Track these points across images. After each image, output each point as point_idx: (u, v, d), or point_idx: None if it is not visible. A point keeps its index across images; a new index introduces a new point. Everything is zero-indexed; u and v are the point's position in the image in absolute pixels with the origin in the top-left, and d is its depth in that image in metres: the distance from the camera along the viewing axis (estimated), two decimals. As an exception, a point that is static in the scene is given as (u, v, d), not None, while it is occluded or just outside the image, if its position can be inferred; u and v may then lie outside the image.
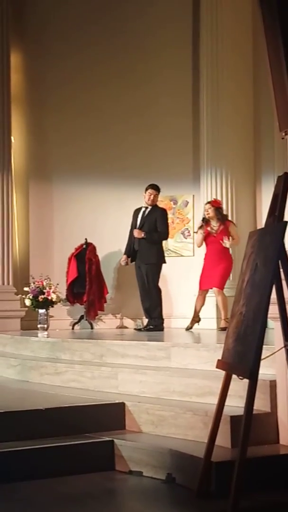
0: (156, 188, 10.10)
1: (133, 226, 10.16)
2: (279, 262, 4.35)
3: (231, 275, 10.49)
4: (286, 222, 4.43)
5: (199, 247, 10.05)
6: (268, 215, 4.67)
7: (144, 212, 10.11)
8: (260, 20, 4.52)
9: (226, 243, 9.60)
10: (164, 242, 10.25)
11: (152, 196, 10.07)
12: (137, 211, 10.21)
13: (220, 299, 9.64)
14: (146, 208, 10.11)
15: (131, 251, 10.10)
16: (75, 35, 11.44)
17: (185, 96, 11.64)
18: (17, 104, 11.16)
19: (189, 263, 11.24)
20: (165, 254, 10.17)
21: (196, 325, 9.81)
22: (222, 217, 9.78)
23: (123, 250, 10.71)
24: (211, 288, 9.73)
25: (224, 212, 10.05)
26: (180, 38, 11.69)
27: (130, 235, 10.16)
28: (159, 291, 10.00)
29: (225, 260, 9.71)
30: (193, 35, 11.65)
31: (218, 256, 9.71)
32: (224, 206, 10.46)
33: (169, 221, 10.31)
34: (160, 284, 10.01)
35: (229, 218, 10.17)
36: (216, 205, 9.85)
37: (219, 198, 10.71)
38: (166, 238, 10.21)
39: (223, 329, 9.23)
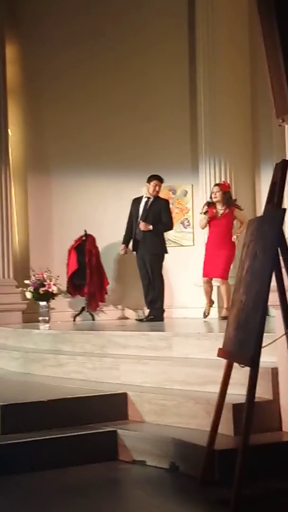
0: (160, 179, 10.10)
1: (133, 216, 10.15)
2: (278, 249, 4.36)
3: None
4: (284, 209, 4.43)
5: (202, 229, 10.01)
6: (266, 203, 4.67)
7: (146, 203, 10.11)
8: (256, 9, 4.52)
9: (235, 238, 9.56)
10: (164, 232, 10.27)
11: (157, 187, 10.07)
12: (137, 201, 10.20)
13: (224, 288, 9.57)
14: (148, 198, 10.10)
15: (134, 241, 10.10)
16: (71, 27, 11.39)
17: (182, 86, 11.60)
18: (13, 97, 11.12)
19: (189, 252, 11.23)
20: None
21: (196, 315, 9.75)
22: (228, 202, 9.68)
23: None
24: (215, 277, 9.69)
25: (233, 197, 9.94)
26: (176, 29, 11.65)
27: (129, 225, 10.16)
28: (162, 281, 10.01)
29: (227, 246, 9.59)
30: (189, 26, 11.60)
31: (221, 241, 9.61)
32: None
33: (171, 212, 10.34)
34: (161, 274, 10.06)
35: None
36: (224, 189, 9.74)
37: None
38: (171, 228, 10.26)
39: (224, 318, 9.22)
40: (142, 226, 9.94)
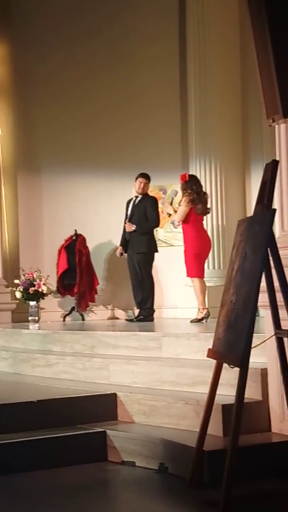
0: (146, 177, 10.09)
1: (126, 217, 10.14)
2: (268, 250, 4.35)
3: (221, 263, 10.49)
4: (274, 209, 4.43)
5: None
6: (256, 203, 4.66)
7: (134, 201, 10.11)
8: (246, 9, 4.51)
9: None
10: (154, 232, 10.25)
11: (142, 184, 10.06)
12: (129, 202, 10.21)
13: (194, 287, 9.19)
14: (137, 197, 10.10)
15: (125, 241, 10.08)
16: (62, 28, 11.37)
17: (173, 87, 11.59)
18: (3, 97, 11.10)
19: (179, 252, 11.20)
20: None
21: (186, 315, 9.65)
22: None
23: (114, 241, 10.73)
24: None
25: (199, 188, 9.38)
26: (168, 29, 11.63)
27: (124, 226, 10.15)
28: (152, 280, 9.99)
29: (186, 242, 9.24)
30: (180, 26, 11.59)
31: (184, 238, 9.31)
32: (209, 192, 10.34)
33: (159, 210, 10.30)
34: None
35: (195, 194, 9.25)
36: (180, 180, 9.37)
37: (208, 187, 10.66)
38: (156, 226, 10.18)
39: (197, 320, 8.99)
40: (127, 227, 9.94)
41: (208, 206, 9.46)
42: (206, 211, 9.35)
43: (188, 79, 11.29)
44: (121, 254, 10.16)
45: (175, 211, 9.45)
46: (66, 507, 4.59)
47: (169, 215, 9.81)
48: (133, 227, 9.88)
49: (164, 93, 11.54)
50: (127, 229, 9.93)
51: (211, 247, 9.62)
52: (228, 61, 11.03)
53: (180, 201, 9.34)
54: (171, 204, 9.99)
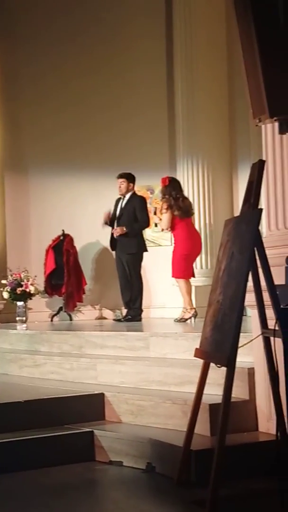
0: (125, 176, 10.01)
1: (114, 216, 10.11)
2: (255, 249, 4.36)
3: (208, 263, 10.49)
4: (261, 209, 4.44)
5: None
6: (243, 203, 4.67)
7: (122, 202, 10.08)
8: (233, 9, 4.52)
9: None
10: (142, 232, 10.24)
11: (123, 184, 9.99)
12: (118, 201, 10.17)
13: (180, 288, 9.24)
14: (124, 197, 10.07)
15: (113, 240, 10.01)
16: (49, 29, 11.34)
17: (160, 87, 11.58)
18: (-10, 97, 11.10)
19: (167, 252, 11.20)
20: (143, 244, 10.18)
21: (174, 315, 9.64)
22: (163, 198, 9.30)
23: (101, 241, 10.76)
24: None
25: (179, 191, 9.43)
26: (154, 29, 11.61)
27: (112, 220, 10.07)
28: (140, 280, 9.97)
29: (176, 242, 9.32)
30: (167, 26, 11.58)
31: (174, 239, 9.37)
32: (196, 192, 10.38)
33: (148, 209, 10.28)
34: (140, 274, 10.06)
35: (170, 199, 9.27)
36: (161, 184, 9.46)
37: (195, 186, 10.69)
38: (146, 226, 10.14)
39: (184, 320, 9.03)
40: (116, 232, 9.85)
41: (192, 210, 9.60)
42: (185, 215, 9.31)
43: (175, 79, 11.29)
44: (106, 222, 10.03)
45: (160, 219, 9.47)
46: (54, 507, 4.59)
47: (156, 225, 9.86)
48: (124, 229, 9.83)
49: (151, 93, 11.54)
50: (119, 233, 9.81)
51: (201, 248, 9.66)
52: (215, 61, 11.04)
53: (161, 209, 9.35)
54: (154, 213, 9.99)
